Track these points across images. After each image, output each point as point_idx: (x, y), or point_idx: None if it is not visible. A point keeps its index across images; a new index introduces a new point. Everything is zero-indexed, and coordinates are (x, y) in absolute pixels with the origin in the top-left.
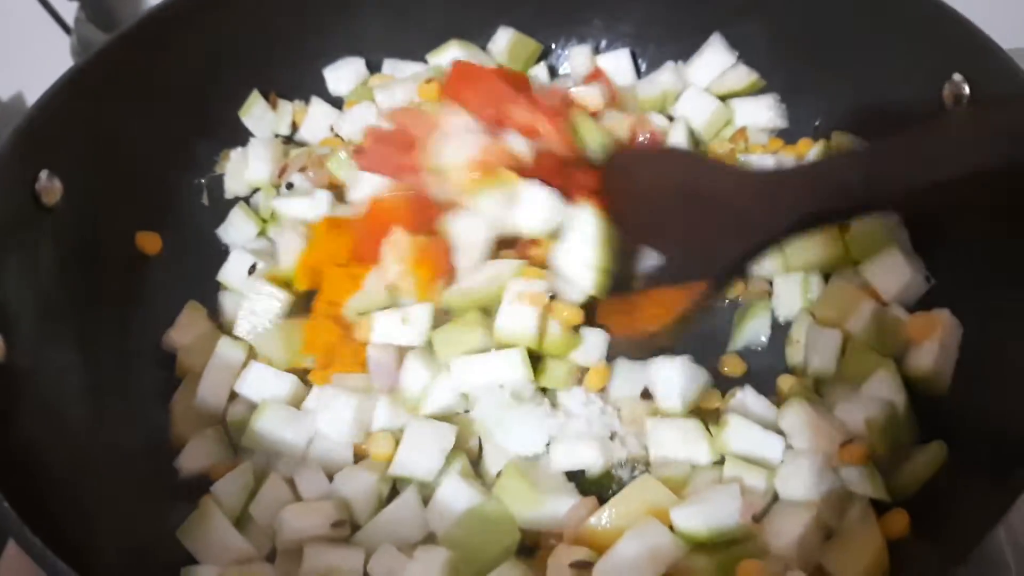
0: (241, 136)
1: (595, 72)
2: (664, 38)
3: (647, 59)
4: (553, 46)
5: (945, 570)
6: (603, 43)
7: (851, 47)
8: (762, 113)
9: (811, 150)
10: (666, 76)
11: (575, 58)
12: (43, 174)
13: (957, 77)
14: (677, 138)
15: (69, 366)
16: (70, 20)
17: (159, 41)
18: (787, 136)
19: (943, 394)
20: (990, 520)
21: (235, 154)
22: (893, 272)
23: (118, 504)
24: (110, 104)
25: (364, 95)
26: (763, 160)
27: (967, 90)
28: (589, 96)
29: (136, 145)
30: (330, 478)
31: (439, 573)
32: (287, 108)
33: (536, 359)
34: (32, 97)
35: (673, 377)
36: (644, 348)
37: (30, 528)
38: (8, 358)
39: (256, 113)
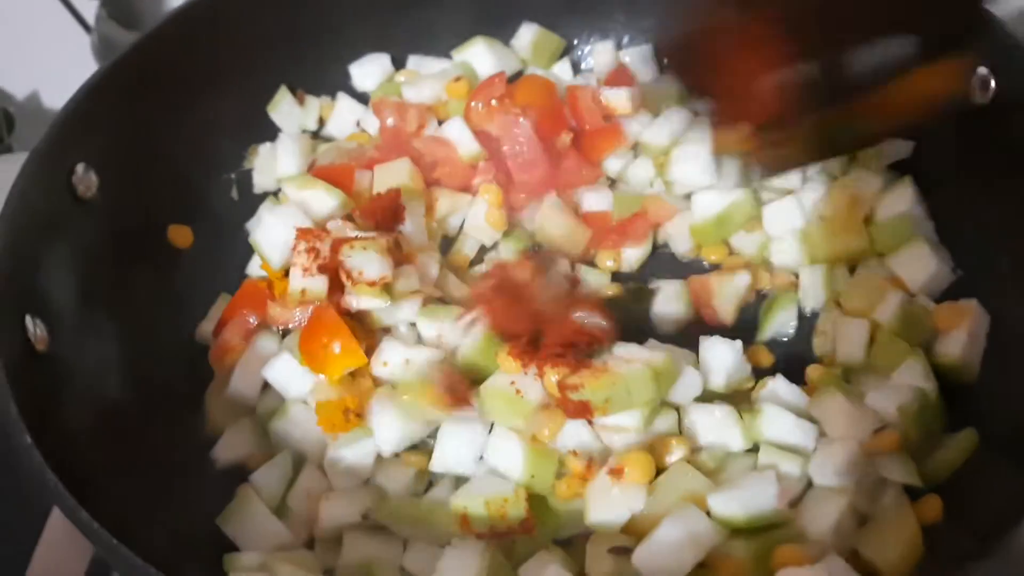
0: (269, 132)
1: (619, 68)
2: None
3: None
4: (576, 42)
5: (979, 554)
6: (625, 39)
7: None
8: None
9: None
10: None
11: (598, 54)
12: (79, 167)
13: (983, 71)
14: (701, 132)
15: (106, 356)
16: (90, 18)
17: (190, 38)
18: None
19: (972, 382)
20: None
21: (263, 149)
22: (919, 263)
23: (157, 490)
24: (143, 100)
25: (390, 90)
26: None
27: (993, 84)
28: (618, 100)
29: (168, 140)
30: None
31: (477, 563)
32: (314, 104)
33: None
34: (49, 96)
35: (726, 356)
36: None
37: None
38: (51, 347)
39: (284, 109)
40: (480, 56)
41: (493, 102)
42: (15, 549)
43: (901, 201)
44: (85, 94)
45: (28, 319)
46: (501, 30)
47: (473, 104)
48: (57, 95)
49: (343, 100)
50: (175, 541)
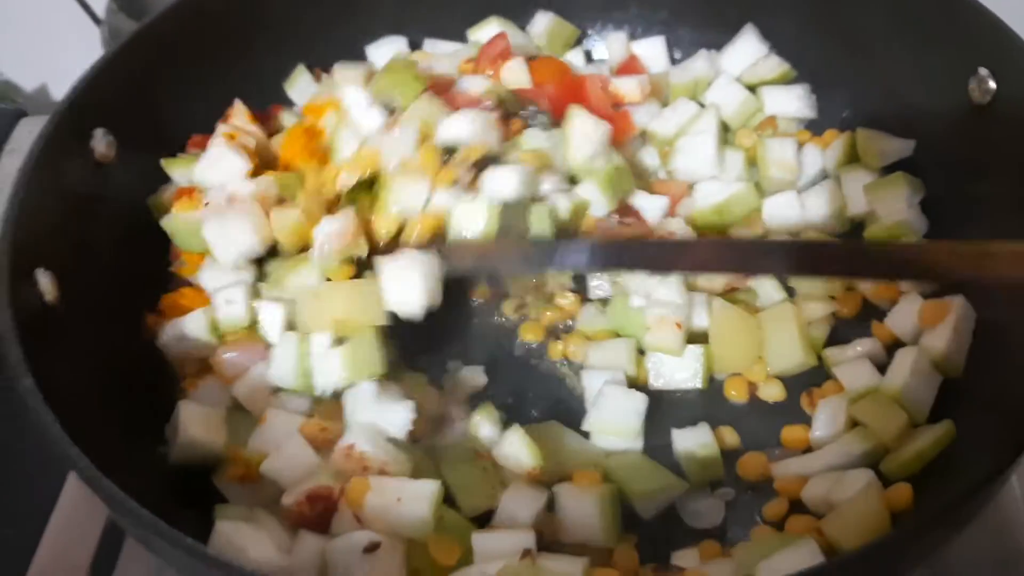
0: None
1: (630, 59)
2: (698, 26)
3: (681, 47)
4: (589, 31)
5: (944, 537)
6: (638, 29)
7: (878, 40)
8: (791, 103)
9: (836, 140)
10: (699, 64)
11: (611, 44)
12: (99, 131)
13: (983, 71)
14: (707, 125)
15: (112, 316)
16: (100, 11)
17: (213, 10)
18: (815, 127)
19: (957, 376)
20: (993, 483)
21: None
22: None
23: (157, 442)
24: (164, 68)
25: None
26: (786, 144)
27: (992, 84)
28: (628, 88)
29: (186, 112)
30: None
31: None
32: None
33: None
34: (58, 88)
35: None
36: None
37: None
38: (60, 302)
39: (301, 86)
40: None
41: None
42: (29, 516)
43: (895, 200)
44: (108, 60)
45: (40, 272)
46: (517, 18)
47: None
48: (66, 87)
49: None
50: (173, 491)
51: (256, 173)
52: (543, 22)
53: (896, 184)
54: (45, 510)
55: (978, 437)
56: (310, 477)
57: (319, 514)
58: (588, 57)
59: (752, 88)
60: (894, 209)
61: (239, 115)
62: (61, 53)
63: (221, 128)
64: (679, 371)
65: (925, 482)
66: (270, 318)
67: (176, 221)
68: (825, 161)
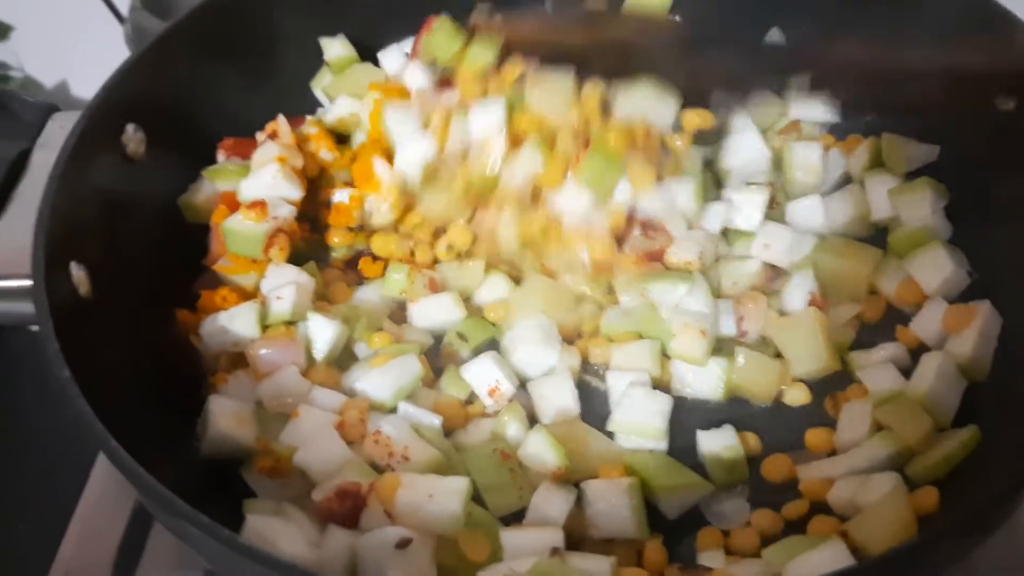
0: (309, 105)
1: None
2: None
3: None
4: None
5: (974, 542)
6: None
7: (903, 44)
8: (816, 107)
9: (861, 146)
10: None
11: None
12: (130, 127)
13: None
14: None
15: (143, 310)
16: (124, 8)
17: (243, 9)
18: (838, 132)
19: (982, 380)
20: (1020, 489)
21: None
22: (935, 266)
23: (188, 434)
24: (196, 66)
25: None
26: (812, 148)
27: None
28: None
29: (216, 109)
30: None
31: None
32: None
33: None
34: (82, 86)
35: None
36: None
37: (116, 439)
38: (93, 295)
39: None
40: None
41: None
42: (57, 507)
43: (920, 205)
44: (141, 55)
45: (73, 264)
46: None
47: None
48: (90, 85)
49: None
50: (205, 484)
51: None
52: None
53: (920, 189)
54: (71, 499)
55: (1004, 441)
56: (341, 471)
57: (348, 510)
58: None
59: None
60: (918, 214)
61: (285, 133)
62: (84, 50)
63: (268, 148)
64: (702, 381)
65: (951, 486)
66: (321, 334)
67: (238, 227)
68: (850, 166)
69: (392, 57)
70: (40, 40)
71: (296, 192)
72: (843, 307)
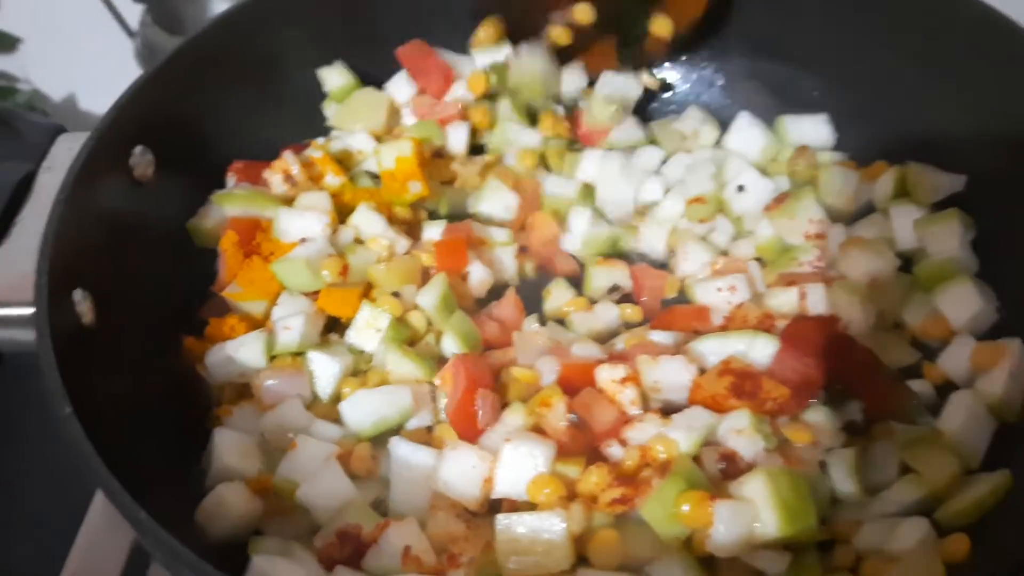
0: (321, 128)
1: None
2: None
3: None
4: None
5: None
6: None
7: (929, 73)
8: (820, 129)
9: (886, 174)
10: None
11: None
12: (138, 149)
13: None
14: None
15: (148, 338)
16: (134, 23)
17: (253, 31)
18: (861, 159)
19: (1013, 421)
20: None
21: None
22: (963, 301)
23: (191, 471)
24: (205, 87)
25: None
26: (848, 176)
27: None
28: None
29: (224, 129)
30: None
31: None
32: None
33: None
34: (92, 101)
35: None
36: None
37: (116, 478)
38: (97, 323)
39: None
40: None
41: None
42: (57, 534)
43: (948, 237)
44: (148, 78)
45: (77, 292)
46: None
47: None
48: (101, 100)
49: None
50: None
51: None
52: None
53: (948, 220)
54: (72, 526)
55: None
56: (343, 511)
57: (350, 554)
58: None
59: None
60: (945, 246)
61: (295, 170)
62: (92, 65)
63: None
64: None
65: (982, 532)
66: (325, 371)
67: (287, 263)
68: (874, 194)
69: (399, 86)
70: (48, 53)
71: (324, 220)
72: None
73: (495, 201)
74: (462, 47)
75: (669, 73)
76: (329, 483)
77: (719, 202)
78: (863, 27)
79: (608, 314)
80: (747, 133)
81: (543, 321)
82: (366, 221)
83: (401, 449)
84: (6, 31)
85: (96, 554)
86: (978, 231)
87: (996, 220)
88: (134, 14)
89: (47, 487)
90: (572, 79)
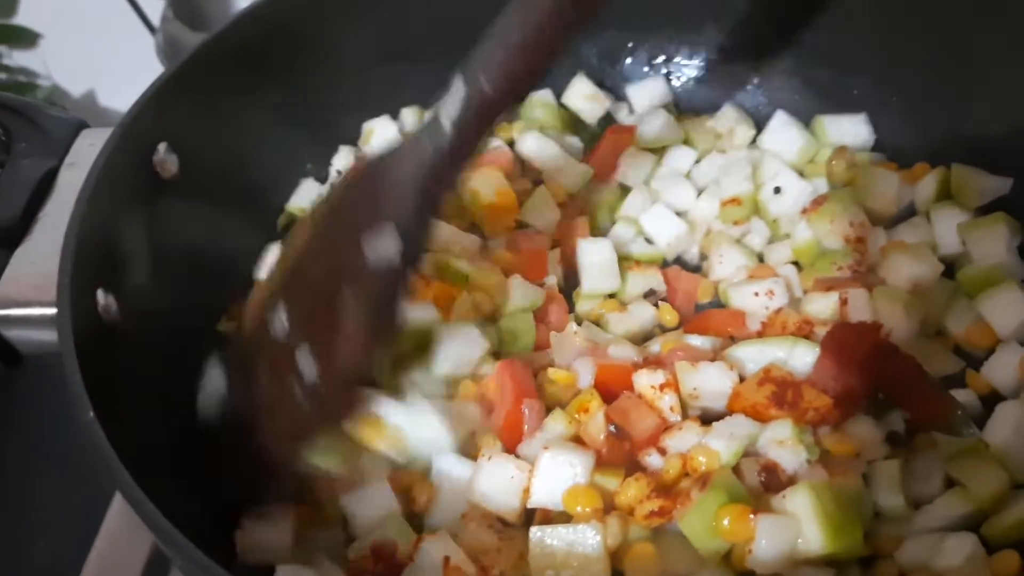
0: (352, 134)
1: None
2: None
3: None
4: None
5: None
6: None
7: (975, 69)
8: (859, 130)
9: (929, 176)
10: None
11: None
12: (161, 147)
13: None
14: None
15: (171, 341)
16: (155, 19)
17: (282, 24)
18: (902, 160)
19: None
20: None
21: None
22: (1010, 308)
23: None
24: (230, 85)
25: None
26: (889, 179)
27: None
28: None
29: (250, 130)
30: None
31: None
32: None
33: None
34: (113, 96)
35: None
36: None
37: (138, 485)
38: (118, 323)
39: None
40: None
41: None
42: (76, 539)
43: (993, 242)
44: (173, 74)
45: (100, 292)
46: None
47: None
48: (121, 96)
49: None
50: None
51: None
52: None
53: (994, 225)
54: (91, 530)
55: None
56: (382, 525)
57: (382, 571)
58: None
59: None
60: (991, 252)
61: None
62: (113, 60)
63: None
64: None
65: None
66: None
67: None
68: (916, 196)
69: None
70: (68, 49)
71: None
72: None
73: (538, 214)
74: None
75: (696, 73)
76: (374, 495)
77: (755, 204)
78: (905, 27)
79: (643, 314)
80: (784, 133)
81: (579, 321)
82: None
83: (444, 463)
84: (26, 27)
85: (114, 559)
86: None
87: None
88: (156, 9)
89: (66, 490)
90: None
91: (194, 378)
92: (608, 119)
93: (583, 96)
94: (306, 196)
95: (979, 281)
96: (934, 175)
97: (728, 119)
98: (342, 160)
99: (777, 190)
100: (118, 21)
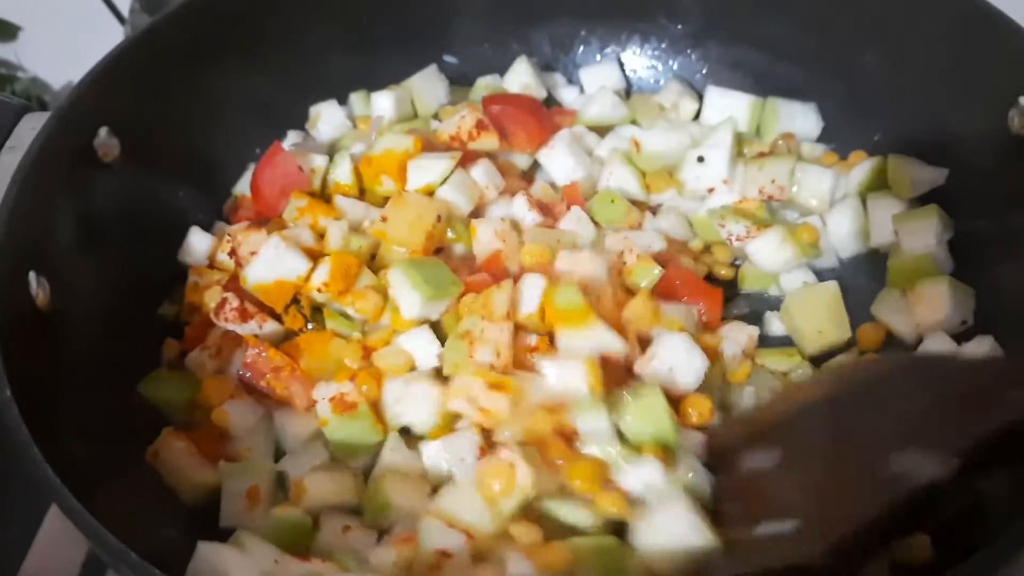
0: (300, 119)
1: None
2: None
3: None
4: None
5: None
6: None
7: (915, 65)
8: (809, 118)
9: (863, 163)
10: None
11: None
12: (103, 131)
13: (1023, 101)
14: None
15: (105, 328)
16: (125, 9)
17: (225, 14)
18: (841, 150)
19: None
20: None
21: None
22: (936, 303)
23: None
24: (171, 70)
25: None
26: (824, 175)
27: None
28: None
29: (191, 116)
30: None
31: None
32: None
33: None
34: None
35: None
36: None
37: (72, 493)
38: (51, 307)
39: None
40: None
41: None
42: (10, 544)
43: (924, 233)
44: (113, 59)
45: (32, 275)
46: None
47: None
48: None
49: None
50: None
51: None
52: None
53: (927, 216)
54: (30, 529)
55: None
56: None
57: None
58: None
59: None
60: (921, 243)
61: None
62: (87, 52)
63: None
64: None
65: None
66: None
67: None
68: (848, 185)
69: (384, 101)
70: (44, 41)
71: (303, 264)
72: None
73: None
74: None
75: (648, 61)
76: None
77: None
78: (849, 20)
79: None
80: (727, 99)
81: None
82: None
83: None
84: (6, 19)
85: (52, 559)
86: (960, 225)
87: (975, 217)
88: (126, 1)
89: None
90: None
91: (132, 362)
92: (552, 101)
93: (520, 84)
94: None
95: (908, 272)
96: (870, 162)
97: (672, 93)
98: (289, 143)
99: (700, 159)
100: (92, 13)
